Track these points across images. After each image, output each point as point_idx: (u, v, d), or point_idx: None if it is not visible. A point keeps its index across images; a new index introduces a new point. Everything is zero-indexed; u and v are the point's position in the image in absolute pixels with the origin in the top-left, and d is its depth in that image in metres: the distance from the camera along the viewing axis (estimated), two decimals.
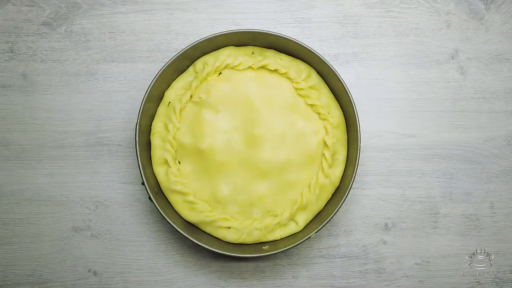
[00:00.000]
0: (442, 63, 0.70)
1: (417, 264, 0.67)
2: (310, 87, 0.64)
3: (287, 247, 0.59)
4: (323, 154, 0.63)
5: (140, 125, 0.60)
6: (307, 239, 0.59)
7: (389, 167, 0.68)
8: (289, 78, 0.64)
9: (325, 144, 0.63)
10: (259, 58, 0.64)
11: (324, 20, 0.70)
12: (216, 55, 0.64)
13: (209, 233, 0.63)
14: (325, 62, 0.61)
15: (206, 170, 0.62)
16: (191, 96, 0.63)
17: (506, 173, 0.68)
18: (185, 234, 0.58)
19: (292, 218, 0.62)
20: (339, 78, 0.61)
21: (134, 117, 0.61)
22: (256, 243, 0.63)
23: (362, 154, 0.65)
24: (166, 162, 0.62)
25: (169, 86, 0.64)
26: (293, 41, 0.61)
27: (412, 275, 0.67)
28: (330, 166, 0.63)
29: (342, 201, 0.59)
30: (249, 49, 0.65)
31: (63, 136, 0.68)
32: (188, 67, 0.65)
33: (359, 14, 0.70)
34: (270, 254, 0.59)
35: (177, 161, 0.63)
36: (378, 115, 0.69)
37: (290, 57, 0.65)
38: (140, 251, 0.66)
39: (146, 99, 0.60)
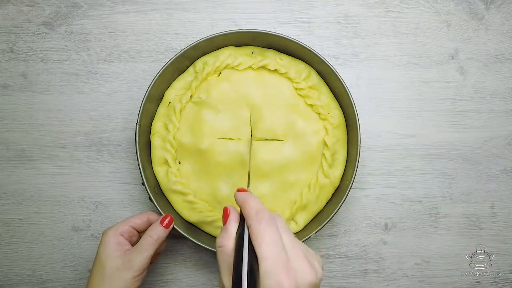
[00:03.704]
0: (442, 63, 0.70)
1: (417, 264, 0.67)
2: (310, 87, 0.64)
3: None
4: (323, 154, 0.63)
5: (140, 125, 0.60)
6: (307, 239, 0.59)
7: (389, 167, 0.68)
8: (289, 78, 0.64)
9: (325, 144, 0.63)
10: (259, 58, 0.64)
11: (324, 20, 0.70)
12: (216, 55, 0.64)
13: (209, 233, 0.63)
14: (325, 62, 0.61)
15: (206, 170, 0.62)
16: (191, 96, 0.63)
17: (506, 173, 0.68)
18: (185, 234, 0.58)
19: (292, 218, 0.62)
20: (339, 78, 0.61)
21: (134, 117, 0.61)
22: None
23: (362, 154, 0.65)
24: (166, 162, 0.62)
25: (169, 86, 0.64)
26: (293, 41, 0.61)
27: (412, 275, 0.67)
28: (330, 166, 0.63)
29: (342, 201, 0.59)
30: (249, 49, 0.65)
31: (63, 136, 0.68)
32: (188, 67, 0.65)
33: (359, 14, 0.70)
34: None
35: (177, 161, 0.63)
36: (378, 115, 0.69)
37: (290, 57, 0.65)
38: None
39: (146, 99, 0.60)
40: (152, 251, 0.54)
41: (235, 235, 0.42)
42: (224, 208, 0.45)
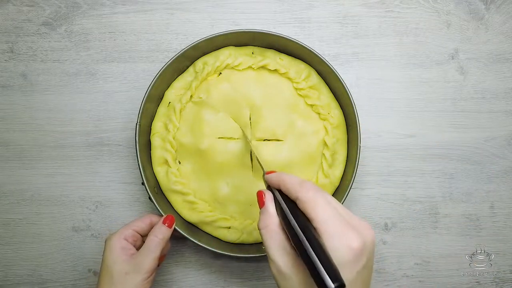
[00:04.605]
0: (442, 63, 0.70)
1: (417, 264, 0.67)
2: (310, 87, 0.64)
3: None
4: (323, 154, 0.63)
5: (140, 125, 0.60)
6: None
7: (389, 167, 0.68)
8: (289, 78, 0.64)
9: (325, 144, 0.63)
10: (259, 58, 0.64)
11: (324, 20, 0.70)
12: (216, 55, 0.64)
13: (209, 233, 0.63)
14: (325, 62, 0.61)
15: (206, 170, 0.62)
16: (191, 96, 0.63)
17: (506, 173, 0.68)
18: (185, 234, 0.58)
19: None
20: (339, 78, 0.61)
21: (134, 117, 0.61)
22: (256, 243, 0.63)
23: (362, 154, 0.65)
24: (166, 162, 0.62)
25: (169, 86, 0.64)
26: (293, 41, 0.61)
27: (412, 275, 0.67)
28: (330, 166, 0.63)
29: (342, 201, 0.59)
30: (249, 49, 0.65)
31: (63, 136, 0.68)
32: (188, 67, 0.65)
33: (359, 14, 0.70)
34: None
35: (177, 161, 0.63)
36: (378, 115, 0.69)
37: (290, 57, 0.65)
38: None
39: (146, 99, 0.60)
40: (159, 251, 0.54)
41: (276, 213, 0.42)
42: (258, 192, 0.45)
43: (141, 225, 0.57)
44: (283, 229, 0.41)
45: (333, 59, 0.69)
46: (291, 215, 0.39)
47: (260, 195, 0.45)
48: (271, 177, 0.44)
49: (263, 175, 0.48)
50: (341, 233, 0.36)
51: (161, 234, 0.55)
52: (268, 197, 0.44)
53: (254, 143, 0.62)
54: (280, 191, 0.43)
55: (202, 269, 0.66)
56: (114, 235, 0.55)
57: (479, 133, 0.69)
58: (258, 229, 0.43)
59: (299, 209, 0.40)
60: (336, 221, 0.37)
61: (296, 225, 0.38)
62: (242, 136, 0.62)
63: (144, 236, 0.57)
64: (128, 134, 0.68)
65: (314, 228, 0.37)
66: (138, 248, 0.56)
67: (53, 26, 0.69)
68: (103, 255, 0.54)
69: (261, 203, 0.44)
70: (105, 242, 0.55)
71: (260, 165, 0.53)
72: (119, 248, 0.54)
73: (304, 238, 0.36)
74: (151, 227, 0.57)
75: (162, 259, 0.58)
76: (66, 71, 0.69)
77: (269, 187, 0.46)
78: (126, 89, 0.68)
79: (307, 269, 0.35)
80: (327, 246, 0.36)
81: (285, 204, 0.41)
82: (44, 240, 0.66)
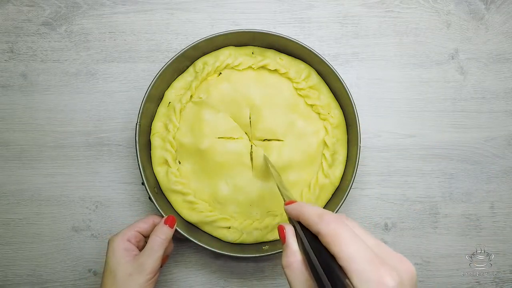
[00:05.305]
0: (442, 63, 0.70)
1: (417, 264, 0.67)
2: (310, 87, 0.64)
3: None
4: (323, 154, 0.63)
5: (140, 125, 0.60)
6: None
7: (389, 167, 0.68)
8: (289, 78, 0.64)
9: (325, 144, 0.63)
10: (259, 58, 0.64)
11: (324, 20, 0.70)
12: (216, 55, 0.64)
13: (209, 233, 0.63)
14: (325, 62, 0.61)
15: (206, 170, 0.62)
16: (191, 96, 0.63)
17: (506, 173, 0.68)
18: (185, 234, 0.58)
19: None
20: (339, 78, 0.61)
21: (134, 117, 0.61)
22: (256, 243, 0.63)
23: (362, 154, 0.65)
24: (166, 162, 0.62)
25: (169, 86, 0.64)
26: (293, 41, 0.61)
27: None
28: (330, 166, 0.63)
29: (342, 201, 0.59)
30: (249, 49, 0.65)
31: (63, 136, 0.68)
32: (188, 67, 0.65)
33: (359, 14, 0.70)
34: (270, 254, 0.59)
35: (177, 161, 0.63)
36: (378, 115, 0.69)
37: (290, 57, 0.65)
38: None
39: (146, 99, 0.60)
40: (162, 251, 0.54)
41: (298, 250, 0.38)
42: (278, 227, 0.41)
43: (144, 226, 0.57)
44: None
45: (333, 59, 0.69)
46: (313, 253, 0.35)
47: (280, 230, 0.40)
48: (290, 209, 0.40)
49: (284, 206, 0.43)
50: (372, 272, 0.31)
51: (163, 234, 0.55)
52: (289, 232, 0.39)
53: (255, 144, 0.62)
54: (301, 224, 0.39)
55: (202, 269, 0.66)
56: (117, 236, 0.55)
57: (479, 133, 0.69)
58: (282, 267, 0.38)
59: (322, 244, 0.35)
60: (364, 257, 0.32)
61: (319, 264, 0.33)
62: (264, 161, 0.61)
63: (146, 237, 0.57)
64: (128, 134, 0.68)
65: (340, 267, 0.32)
66: (141, 249, 0.56)
67: (53, 26, 0.69)
68: (106, 257, 0.54)
69: (282, 238, 0.40)
70: (108, 243, 0.55)
71: (281, 193, 0.48)
72: (122, 249, 0.53)
73: (328, 283, 0.32)
74: (154, 227, 0.57)
75: (165, 260, 0.58)
76: (66, 71, 0.69)
77: (291, 219, 0.41)
78: (126, 89, 0.68)
79: None
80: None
81: (306, 240, 0.37)
82: (44, 240, 0.66)
